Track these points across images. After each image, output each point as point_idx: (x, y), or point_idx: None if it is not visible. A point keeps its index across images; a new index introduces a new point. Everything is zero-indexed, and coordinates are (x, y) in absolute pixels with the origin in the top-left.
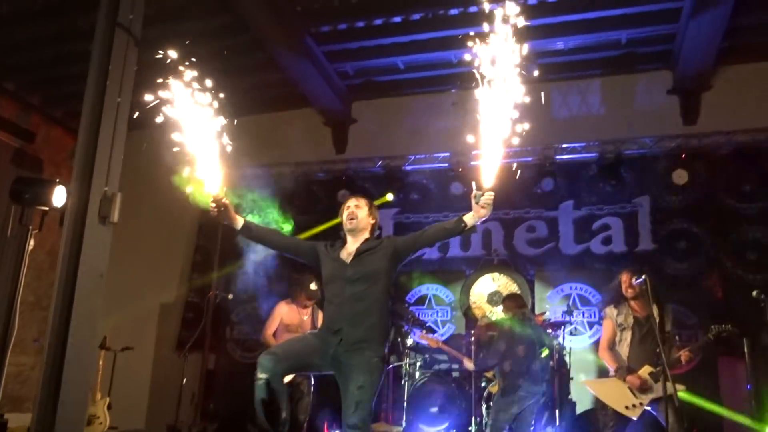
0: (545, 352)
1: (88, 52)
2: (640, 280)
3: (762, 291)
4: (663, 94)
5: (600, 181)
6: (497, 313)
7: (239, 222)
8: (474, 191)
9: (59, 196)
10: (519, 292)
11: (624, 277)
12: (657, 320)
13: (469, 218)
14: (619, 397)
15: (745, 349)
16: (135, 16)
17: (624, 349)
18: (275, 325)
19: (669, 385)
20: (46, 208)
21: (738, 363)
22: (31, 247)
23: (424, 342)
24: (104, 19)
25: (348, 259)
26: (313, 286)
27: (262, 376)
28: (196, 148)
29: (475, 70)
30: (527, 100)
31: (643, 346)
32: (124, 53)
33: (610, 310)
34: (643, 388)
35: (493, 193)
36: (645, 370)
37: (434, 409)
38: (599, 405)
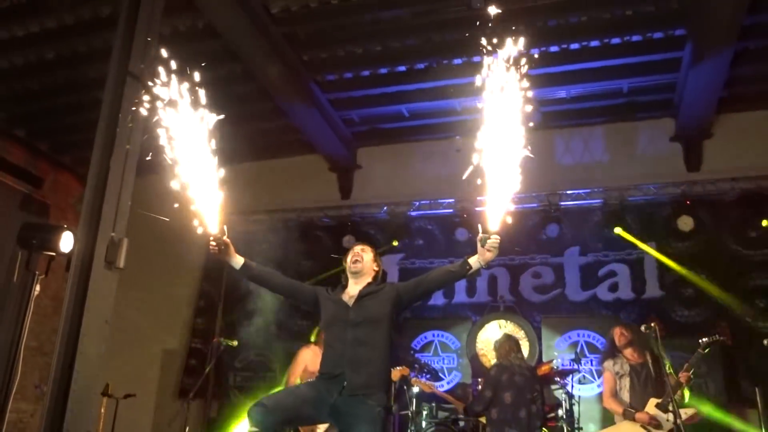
0: None
1: (97, 101)
2: (647, 326)
3: None
4: (666, 141)
5: (605, 228)
6: None
7: (239, 261)
8: (480, 234)
9: (66, 242)
10: (526, 337)
11: (616, 330)
12: (651, 364)
13: (474, 261)
14: None
15: (758, 398)
16: (146, 65)
17: (625, 395)
18: (299, 372)
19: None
20: (53, 254)
21: (750, 412)
22: (36, 293)
23: (419, 387)
24: (116, 68)
25: (350, 302)
26: None
27: (253, 429)
28: (198, 189)
29: (478, 118)
30: (531, 147)
31: (643, 390)
32: (134, 101)
33: (608, 363)
34: (654, 423)
35: (499, 237)
36: (651, 403)
37: None
38: None
